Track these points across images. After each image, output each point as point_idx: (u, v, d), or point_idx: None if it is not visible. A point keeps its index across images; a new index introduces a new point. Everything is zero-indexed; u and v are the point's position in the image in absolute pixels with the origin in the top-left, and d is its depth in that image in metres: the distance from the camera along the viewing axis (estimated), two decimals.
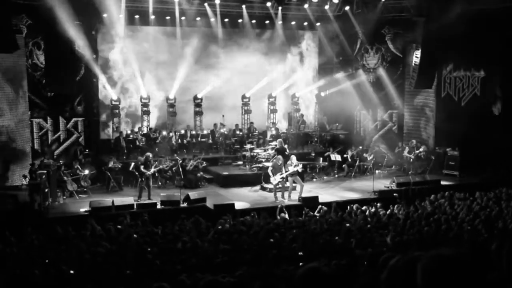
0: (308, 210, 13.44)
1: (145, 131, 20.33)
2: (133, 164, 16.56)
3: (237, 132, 21.39)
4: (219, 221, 11.81)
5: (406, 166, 19.53)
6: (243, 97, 22.59)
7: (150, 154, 16.07)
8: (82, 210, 14.16)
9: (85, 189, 16.36)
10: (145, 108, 20.53)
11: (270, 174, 15.62)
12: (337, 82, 22.52)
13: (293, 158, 15.78)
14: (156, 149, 19.31)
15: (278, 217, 12.87)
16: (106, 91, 20.02)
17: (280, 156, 15.93)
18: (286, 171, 15.55)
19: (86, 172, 16.65)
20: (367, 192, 16.39)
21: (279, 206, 13.67)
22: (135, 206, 14.31)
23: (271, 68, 22.35)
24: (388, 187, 16.89)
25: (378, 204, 14.07)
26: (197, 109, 21.62)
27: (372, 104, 22.28)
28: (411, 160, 19.32)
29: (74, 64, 18.10)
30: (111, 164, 16.98)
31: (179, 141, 20.51)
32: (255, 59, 22.06)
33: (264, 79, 22.09)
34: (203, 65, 21.39)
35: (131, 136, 19.58)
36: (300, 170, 15.83)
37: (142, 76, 20.43)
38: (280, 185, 15.63)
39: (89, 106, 19.63)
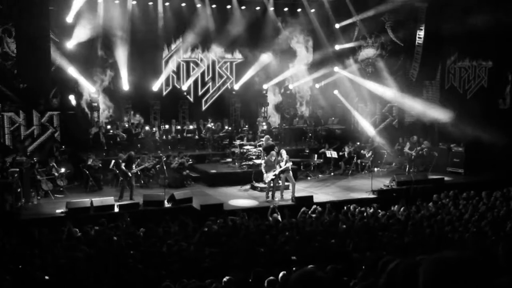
0: (307, 210, 13.45)
1: (126, 126, 20.25)
2: (113, 161, 16.51)
3: (226, 127, 21.39)
4: (206, 223, 11.80)
5: (407, 164, 19.59)
6: (232, 89, 22.60)
7: (133, 153, 16.02)
8: (58, 211, 14.06)
9: (61, 189, 16.25)
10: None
11: (263, 171, 15.66)
12: (333, 74, 22.57)
13: (283, 152, 15.79)
14: (139, 145, 19.30)
15: (270, 218, 12.88)
16: (84, 82, 19.87)
17: (274, 152, 15.96)
18: (279, 169, 15.56)
19: (63, 170, 16.54)
20: (365, 192, 16.44)
21: (271, 206, 13.68)
22: (115, 207, 14.27)
23: (262, 58, 22.34)
24: (387, 186, 16.95)
25: (377, 205, 14.10)
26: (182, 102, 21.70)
27: (370, 97, 22.34)
28: (413, 157, 19.38)
29: (48, 53, 17.95)
30: (89, 162, 16.89)
31: (163, 136, 20.48)
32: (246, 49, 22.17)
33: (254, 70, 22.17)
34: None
35: (111, 131, 19.50)
36: (290, 167, 15.84)
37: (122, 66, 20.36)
38: (272, 184, 15.67)
39: (65, 98, 19.49)
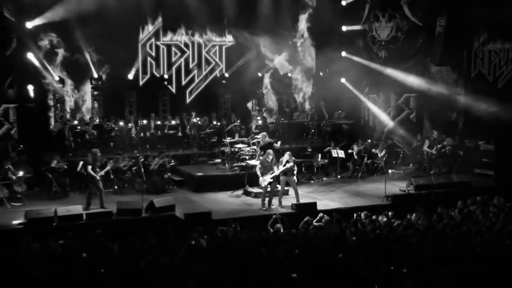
0: (311, 219, 13.48)
1: (97, 121, 20.20)
2: (81, 163, 16.44)
3: (214, 122, 21.35)
4: (192, 235, 11.80)
5: (427, 164, 19.67)
6: (222, 77, 22.58)
7: (97, 150, 15.87)
8: (15, 222, 13.99)
9: (19, 196, 16.20)
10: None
11: (258, 173, 15.66)
12: (340, 59, 22.59)
13: (287, 155, 15.78)
14: (111, 144, 19.29)
15: (271, 230, 12.89)
16: (46, 70, 19.83)
17: (271, 151, 15.96)
18: (277, 171, 15.58)
19: (21, 174, 16.49)
20: (377, 197, 16.50)
21: (274, 216, 13.70)
22: (84, 217, 14.22)
23: (257, 41, 22.37)
24: (404, 191, 17.02)
25: (392, 212, 14.13)
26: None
27: (383, 86, 22.37)
28: (434, 156, 19.42)
29: (2, 34, 17.83)
30: (53, 164, 16.85)
31: (141, 133, 20.45)
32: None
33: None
34: None
35: (79, 127, 19.46)
36: (295, 169, 15.87)
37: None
38: (269, 188, 15.68)
39: (23, 89, 19.40)
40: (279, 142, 18.45)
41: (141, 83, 22.17)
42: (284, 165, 15.55)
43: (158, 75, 22.39)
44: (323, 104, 23.32)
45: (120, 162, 17.39)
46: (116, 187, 17.25)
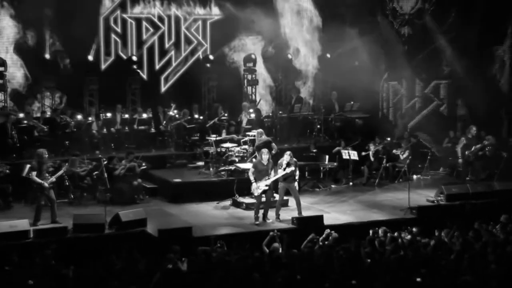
0: (316, 237, 13.44)
1: (48, 114, 20.10)
2: (28, 167, 16.38)
3: (196, 116, 21.35)
4: (168, 256, 11.76)
5: (461, 168, 19.61)
6: (206, 59, 22.53)
7: (43, 151, 15.66)
8: None
9: None
10: None
11: (251, 178, 15.55)
12: (352, 37, 22.59)
13: (287, 156, 15.67)
14: (67, 142, 19.18)
15: (267, 250, 12.86)
16: None
17: (266, 150, 15.84)
18: (275, 176, 15.51)
19: None
20: (399, 210, 16.46)
21: (271, 233, 13.64)
22: (31, 234, 14.13)
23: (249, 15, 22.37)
24: (432, 201, 17.00)
25: (417, 229, 14.05)
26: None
27: (407, 70, 22.35)
28: (471, 158, 19.34)
29: None
30: None
31: (104, 129, 20.41)
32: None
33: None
34: None
35: (25, 122, 19.38)
36: (297, 173, 15.81)
37: None
38: (264, 198, 15.59)
39: None
40: (274, 146, 17.80)
41: (103, 66, 22.17)
42: (284, 169, 15.44)
43: (125, 57, 22.35)
44: (333, 94, 23.26)
45: (78, 166, 17.31)
46: (72, 196, 17.14)
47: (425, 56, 22.13)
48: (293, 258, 11.76)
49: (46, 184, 15.18)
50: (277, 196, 15.91)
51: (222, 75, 22.80)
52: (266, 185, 15.50)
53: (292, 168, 15.51)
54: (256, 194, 15.58)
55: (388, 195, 18.19)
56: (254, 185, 15.53)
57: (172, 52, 23.01)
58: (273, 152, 16.86)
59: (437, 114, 22.43)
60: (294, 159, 15.81)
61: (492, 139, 19.65)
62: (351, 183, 19.37)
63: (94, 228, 14.48)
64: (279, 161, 15.71)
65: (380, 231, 13.66)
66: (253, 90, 23.08)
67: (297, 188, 15.95)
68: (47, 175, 15.35)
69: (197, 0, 22.73)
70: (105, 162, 17.40)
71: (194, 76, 23.08)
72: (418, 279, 9.97)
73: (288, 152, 15.86)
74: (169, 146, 20.72)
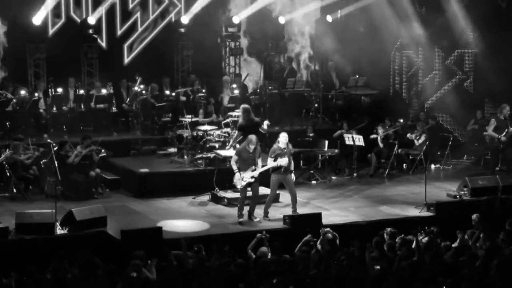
0: (313, 239, 13.54)
1: None
2: None
3: (167, 92, 21.50)
4: (132, 263, 11.91)
5: (490, 157, 19.73)
6: (179, 23, 22.60)
7: None
8: None
9: None
10: None
11: (234, 168, 15.66)
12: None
13: (283, 138, 15.68)
14: (7, 123, 19.34)
15: (253, 255, 12.99)
16: None
17: (253, 137, 15.67)
18: (263, 165, 15.62)
19: None
20: (414, 206, 16.67)
21: (259, 235, 13.73)
22: None
23: None
24: (454, 196, 17.15)
25: (436, 229, 14.24)
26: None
27: (423, 38, 22.47)
28: (502, 144, 19.37)
29: None
30: None
31: (53, 108, 20.51)
32: None
33: None
34: None
35: None
36: (292, 162, 15.93)
37: None
38: (250, 192, 15.70)
39: None
40: (266, 123, 17.72)
41: (51, 31, 22.19)
42: (275, 158, 15.47)
43: (78, 20, 22.36)
44: (333, 66, 23.42)
45: (21, 152, 17.37)
46: (14, 190, 17.19)
47: (443, 22, 21.99)
48: (285, 264, 11.93)
49: None
50: (266, 190, 15.99)
51: (199, 42, 22.92)
52: (252, 177, 15.55)
53: (286, 159, 15.48)
54: (239, 186, 15.67)
55: (400, 188, 18.41)
56: (237, 176, 15.58)
57: (138, 14, 23.10)
58: (263, 131, 16.94)
59: (461, 91, 22.44)
60: (290, 146, 15.95)
61: None
62: (355, 174, 19.60)
63: (41, 228, 14.42)
64: (273, 147, 15.67)
65: (389, 231, 13.55)
66: (237, 61, 23.25)
67: (294, 180, 16.10)
68: None
69: None
70: (55, 148, 17.31)
71: (165, 43, 23.21)
72: None
73: (284, 134, 15.81)
74: (134, 129, 20.90)
